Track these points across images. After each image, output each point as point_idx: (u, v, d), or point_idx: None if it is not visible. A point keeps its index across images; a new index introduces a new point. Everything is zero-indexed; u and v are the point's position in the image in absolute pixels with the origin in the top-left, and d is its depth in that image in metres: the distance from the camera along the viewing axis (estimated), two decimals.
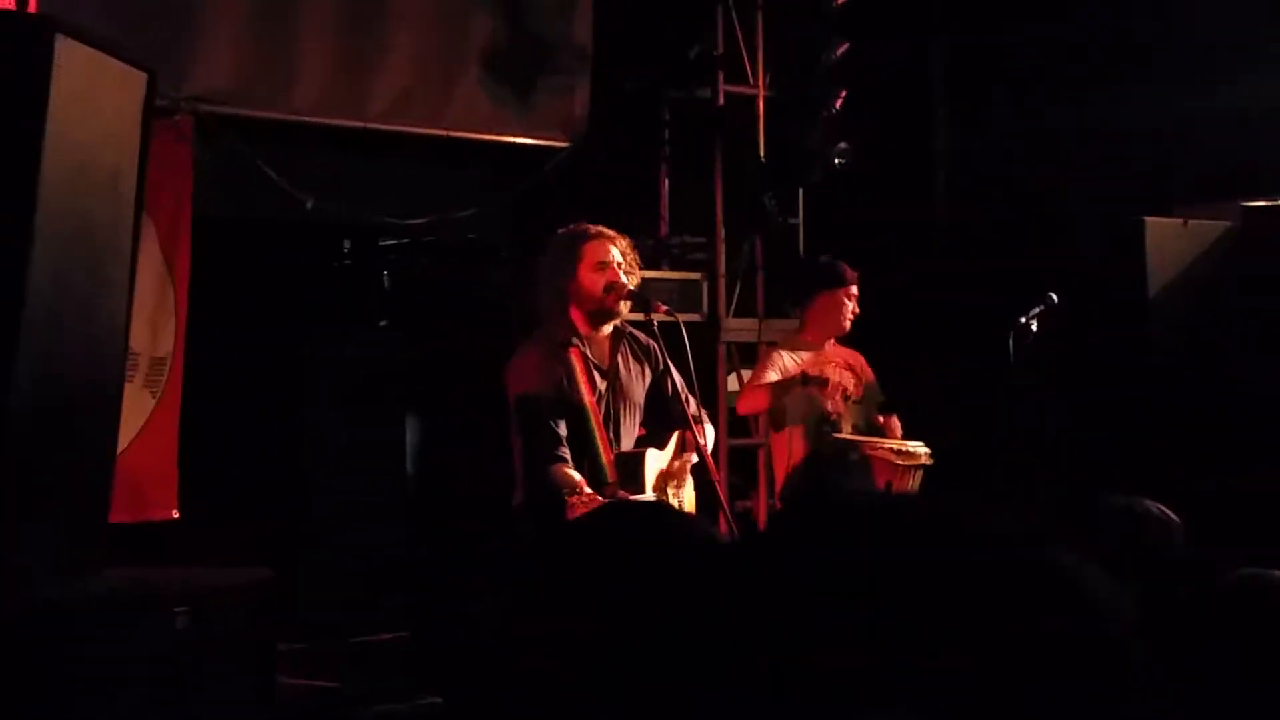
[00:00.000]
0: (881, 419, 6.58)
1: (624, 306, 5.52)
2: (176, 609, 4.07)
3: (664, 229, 8.04)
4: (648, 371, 5.60)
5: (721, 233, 8.14)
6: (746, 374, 7.99)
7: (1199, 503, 4.22)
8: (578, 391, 5.34)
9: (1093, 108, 7.77)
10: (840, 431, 6.48)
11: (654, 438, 5.58)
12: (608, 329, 5.52)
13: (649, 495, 5.36)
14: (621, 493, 5.20)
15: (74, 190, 4.03)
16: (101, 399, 4.33)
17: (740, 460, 8.08)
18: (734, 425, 8.01)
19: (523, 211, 7.98)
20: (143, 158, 4.41)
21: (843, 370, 6.53)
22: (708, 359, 7.67)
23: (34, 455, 3.93)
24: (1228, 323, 6.73)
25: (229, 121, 7.02)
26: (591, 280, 5.42)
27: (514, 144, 7.97)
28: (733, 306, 8.20)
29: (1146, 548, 3.66)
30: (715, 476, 5.53)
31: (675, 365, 5.59)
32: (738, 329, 8.17)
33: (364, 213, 7.61)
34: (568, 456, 5.26)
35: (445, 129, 7.73)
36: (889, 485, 6.24)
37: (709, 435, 5.56)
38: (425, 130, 7.68)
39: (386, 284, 8.09)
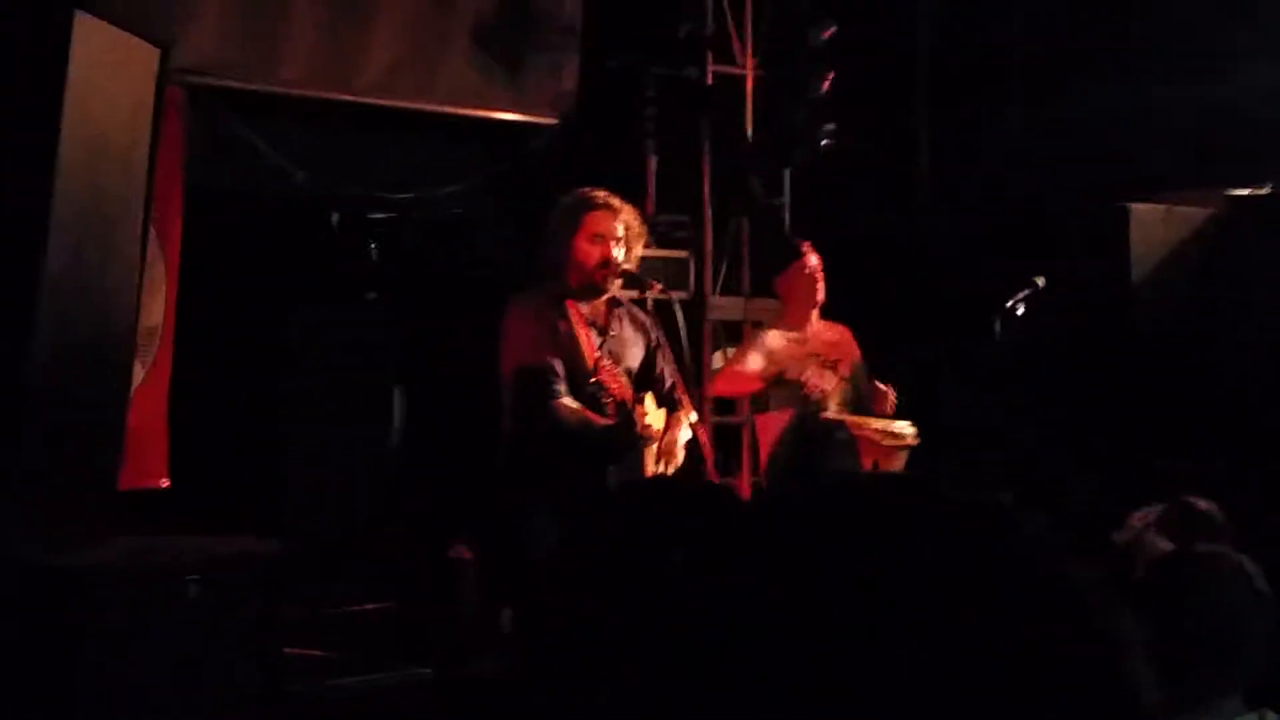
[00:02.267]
0: (881, 385, 6.59)
1: (615, 284, 5.55)
2: (188, 577, 4.13)
3: (650, 207, 8.09)
4: (643, 343, 5.63)
5: (708, 212, 8.20)
6: (733, 353, 8.07)
7: (1166, 483, 4.32)
8: (575, 341, 5.38)
9: (1078, 93, 7.85)
10: (826, 410, 6.55)
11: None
12: (601, 299, 5.55)
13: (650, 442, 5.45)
14: (639, 408, 5.30)
15: (90, 166, 4.07)
16: (112, 371, 4.38)
17: (724, 438, 8.16)
18: (719, 403, 8.08)
19: (510, 187, 8.02)
20: (154, 133, 4.45)
21: (820, 371, 6.54)
22: (693, 337, 7.71)
23: (49, 425, 3.98)
24: (1209, 309, 6.82)
25: (219, 94, 7.03)
26: (586, 252, 5.43)
27: (502, 120, 8.00)
28: (719, 285, 8.27)
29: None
30: (709, 455, 5.60)
31: (668, 343, 5.64)
32: (723, 308, 8.24)
33: (353, 186, 7.63)
34: (565, 392, 5.31)
35: (434, 104, 7.76)
36: (875, 465, 6.33)
37: (685, 431, 5.61)
38: (413, 105, 7.71)
39: (374, 257, 8.12)
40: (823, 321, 6.78)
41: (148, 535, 4.86)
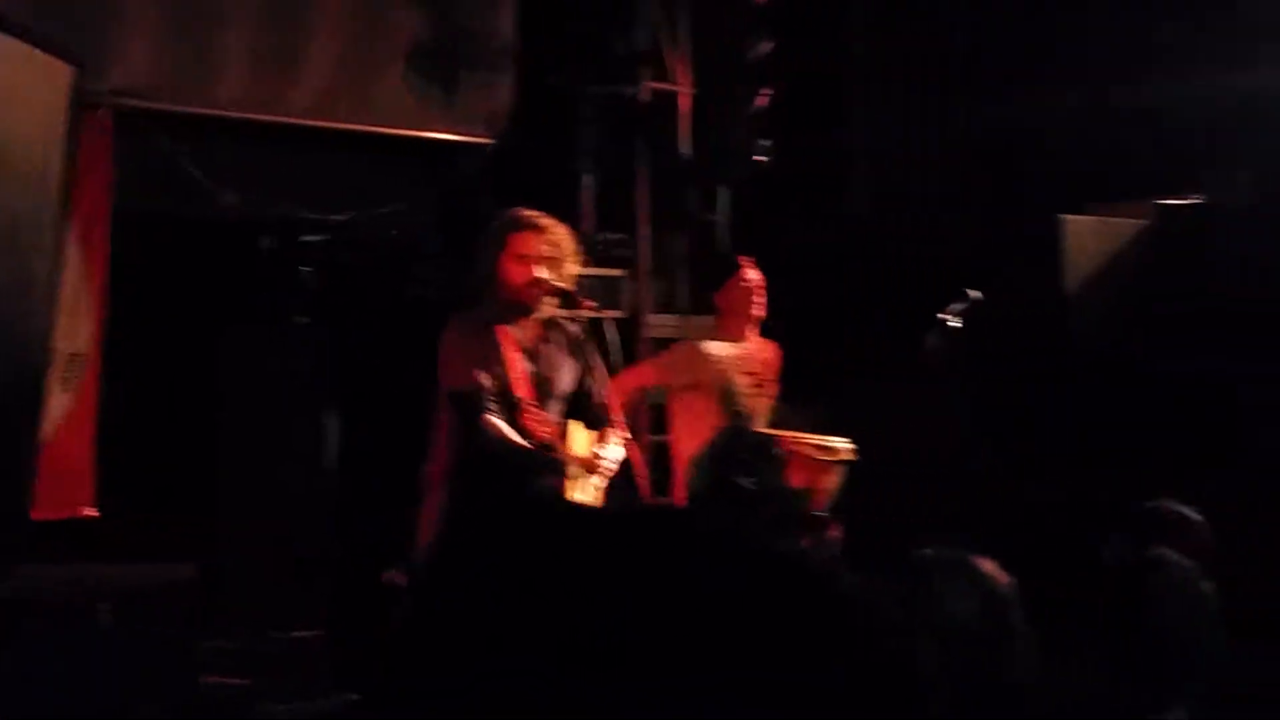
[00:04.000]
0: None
1: (545, 303, 5.51)
2: (99, 605, 4.05)
3: (587, 225, 8.06)
4: (575, 364, 5.60)
5: (645, 229, 8.17)
6: None
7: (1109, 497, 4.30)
8: (503, 367, 5.36)
9: (1007, 108, 7.86)
10: (752, 426, 6.52)
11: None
12: (532, 319, 5.51)
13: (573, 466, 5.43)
14: (562, 443, 5.29)
15: None
16: (25, 397, 4.29)
17: (662, 456, 8.10)
18: (656, 422, 8.03)
19: (446, 208, 7.97)
20: (70, 152, 4.37)
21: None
22: (629, 356, 7.68)
23: None
24: (1144, 318, 6.84)
25: (150, 116, 6.96)
26: (512, 272, 5.42)
27: (438, 140, 7.95)
28: (655, 303, 8.22)
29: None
30: (642, 474, 5.56)
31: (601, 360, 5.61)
32: (660, 325, 8.20)
33: (285, 208, 7.56)
34: (495, 410, 5.28)
35: (368, 124, 7.71)
36: (809, 481, 6.28)
37: (614, 452, 5.59)
38: (347, 125, 7.66)
39: (308, 280, 8.03)
40: (758, 339, 6.75)
41: (72, 564, 4.78)
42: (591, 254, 8.05)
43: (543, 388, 5.46)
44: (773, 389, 6.67)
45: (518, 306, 5.44)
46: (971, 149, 7.93)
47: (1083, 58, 7.77)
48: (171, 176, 7.09)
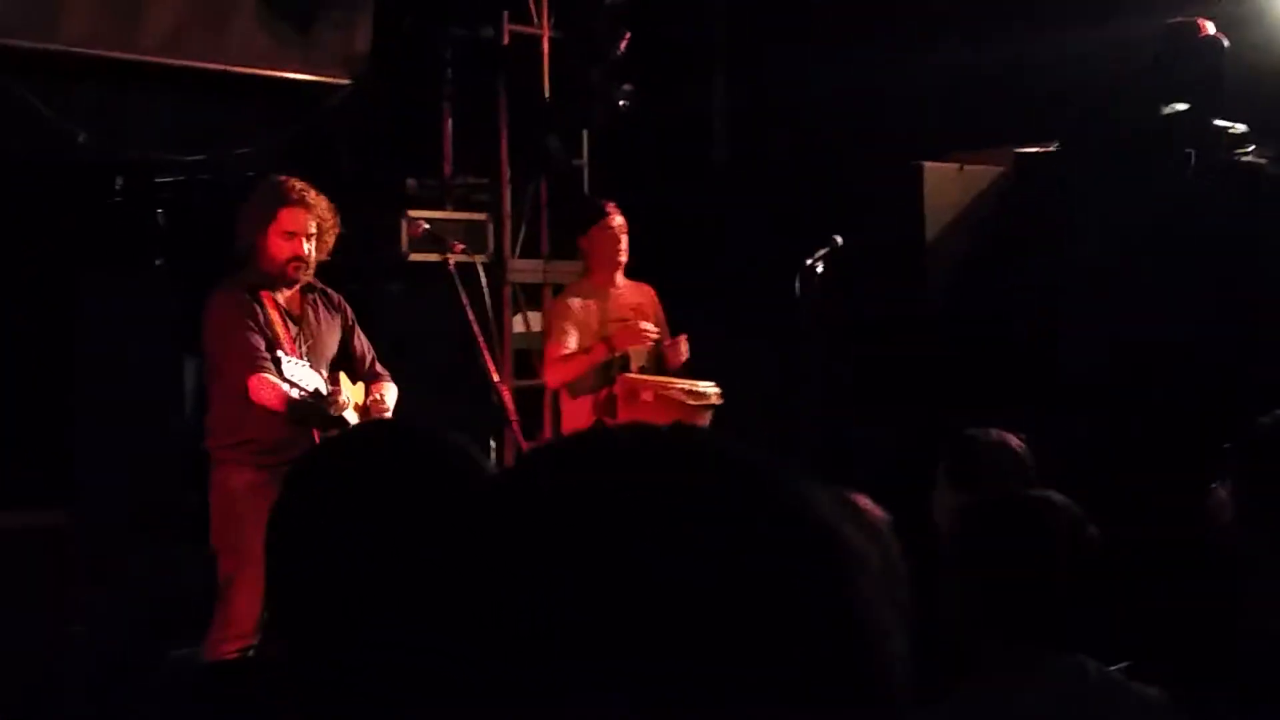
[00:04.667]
0: (667, 341, 6.64)
1: (306, 276, 5.58)
2: None
3: (448, 169, 7.99)
4: (338, 327, 5.69)
5: (506, 173, 8.12)
6: (533, 316, 8.02)
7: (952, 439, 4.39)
8: (273, 330, 5.42)
9: (868, 58, 7.92)
10: (629, 370, 6.54)
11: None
12: (294, 289, 5.57)
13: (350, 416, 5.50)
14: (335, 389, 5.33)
15: None
16: None
17: (526, 401, 8.09)
18: (520, 366, 8.02)
19: (303, 150, 7.84)
20: None
21: (643, 334, 6.52)
22: (493, 300, 7.64)
23: None
24: (1001, 263, 6.96)
25: None
26: (277, 246, 5.51)
27: (293, 80, 7.83)
28: (518, 247, 8.19)
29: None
30: (514, 418, 5.59)
31: (471, 305, 5.62)
32: (523, 270, 8.17)
33: (138, 149, 7.40)
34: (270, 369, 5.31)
35: (222, 63, 7.57)
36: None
37: (391, 394, 5.67)
38: (201, 64, 7.51)
39: (161, 222, 7.86)
40: (628, 281, 6.74)
41: None
42: (452, 198, 8.02)
43: (309, 349, 5.53)
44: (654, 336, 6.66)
45: (279, 278, 5.50)
46: (835, 98, 7.98)
47: (945, 6, 7.86)
48: (19, 116, 6.91)
